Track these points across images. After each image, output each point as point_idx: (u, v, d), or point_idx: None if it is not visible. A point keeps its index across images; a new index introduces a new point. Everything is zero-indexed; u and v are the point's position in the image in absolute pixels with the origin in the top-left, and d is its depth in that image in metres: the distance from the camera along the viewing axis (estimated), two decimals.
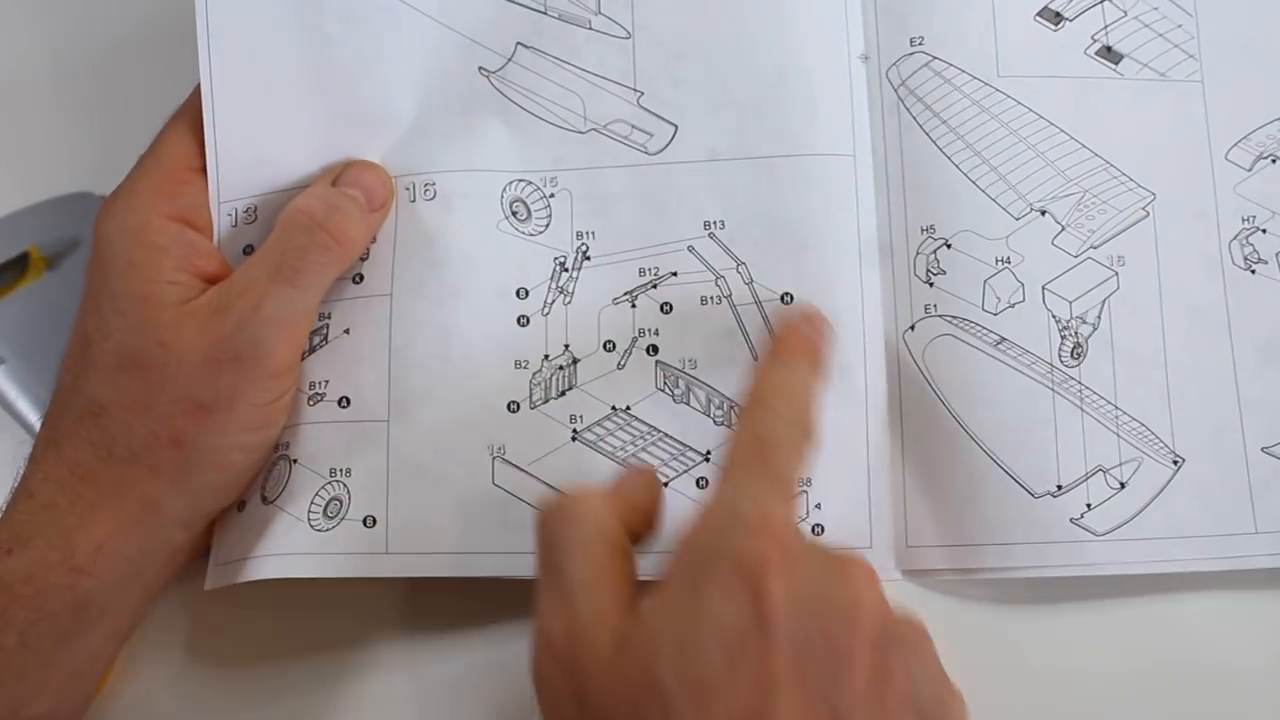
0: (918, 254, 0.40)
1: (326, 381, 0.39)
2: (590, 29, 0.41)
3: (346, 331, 0.39)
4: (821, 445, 0.34)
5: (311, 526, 0.37)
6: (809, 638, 0.28)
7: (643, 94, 0.40)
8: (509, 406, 0.39)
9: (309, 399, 0.39)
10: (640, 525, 0.33)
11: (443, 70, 0.40)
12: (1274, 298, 0.40)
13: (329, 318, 0.39)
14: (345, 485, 0.38)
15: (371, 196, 0.38)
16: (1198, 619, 0.39)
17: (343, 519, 0.38)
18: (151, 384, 0.35)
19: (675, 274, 0.40)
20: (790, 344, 0.36)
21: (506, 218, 0.40)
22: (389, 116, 0.40)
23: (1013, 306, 0.40)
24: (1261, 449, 0.39)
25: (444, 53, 0.40)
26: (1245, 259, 0.40)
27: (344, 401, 0.39)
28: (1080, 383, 0.39)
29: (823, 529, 0.38)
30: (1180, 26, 0.42)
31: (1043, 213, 0.40)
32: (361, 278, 0.39)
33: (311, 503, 0.38)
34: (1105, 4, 0.41)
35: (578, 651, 0.29)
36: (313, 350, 0.39)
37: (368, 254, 0.39)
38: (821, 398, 0.35)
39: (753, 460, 0.32)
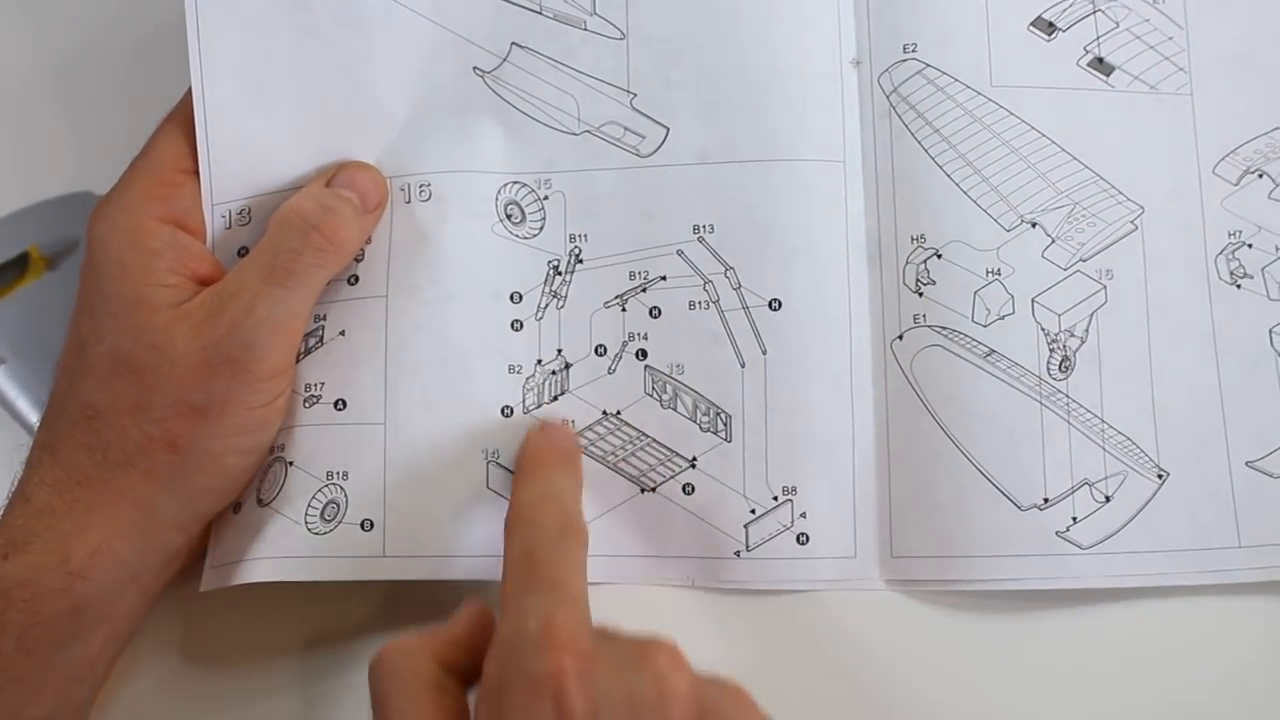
0: (908, 263, 0.40)
1: (322, 384, 0.39)
2: (585, 30, 0.41)
3: (342, 333, 0.39)
4: (588, 541, 0.34)
5: (309, 529, 0.38)
6: None
7: (636, 96, 0.41)
8: (503, 411, 0.39)
9: (305, 401, 0.39)
10: (465, 660, 0.32)
11: (437, 70, 0.41)
12: (1259, 313, 0.40)
13: (324, 319, 0.39)
14: (342, 488, 0.38)
15: (366, 197, 0.38)
16: (1182, 629, 0.39)
17: (340, 522, 0.38)
18: (145, 387, 0.35)
19: (664, 278, 0.40)
20: (537, 458, 0.36)
21: (501, 220, 0.40)
22: (382, 117, 0.40)
23: (1002, 319, 0.40)
24: (1246, 463, 0.39)
25: (438, 52, 0.41)
26: (1231, 274, 0.40)
27: (340, 404, 0.39)
28: (1068, 396, 0.39)
29: (807, 538, 0.39)
30: (1171, 39, 0.42)
31: (1033, 225, 0.40)
32: (357, 279, 0.39)
33: (309, 506, 0.38)
34: (1098, 15, 0.42)
35: None
36: (308, 352, 0.39)
37: (363, 255, 0.40)
38: (579, 496, 0.35)
39: (526, 577, 0.32)
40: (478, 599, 0.33)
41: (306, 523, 0.38)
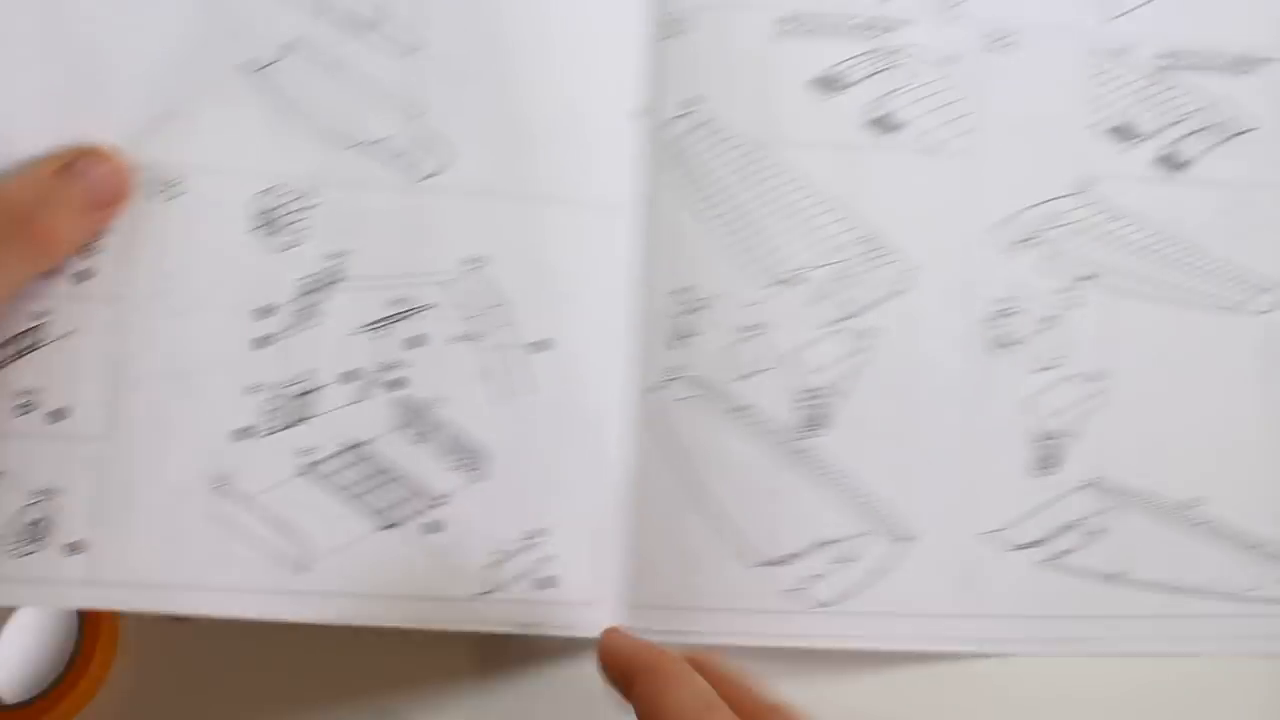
0: (672, 314, 0.40)
1: (38, 390, 0.36)
2: (371, 39, 0.38)
3: (66, 336, 0.36)
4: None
5: (8, 551, 0.35)
6: None
7: (418, 115, 0.38)
8: (236, 433, 0.37)
9: (16, 409, 0.35)
10: None
11: (204, 59, 0.37)
12: (1016, 383, 0.41)
13: (46, 317, 0.36)
14: (51, 506, 0.35)
15: (98, 192, 0.35)
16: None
17: (46, 543, 0.35)
18: None
19: (428, 308, 0.38)
20: (656, 657, 0.32)
21: (256, 228, 0.37)
22: (136, 101, 0.37)
23: (759, 374, 0.40)
24: (990, 532, 0.41)
25: (208, 40, 0.37)
26: (997, 339, 0.41)
27: (57, 414, 0.36)
28: (818, 455, 0.40)
29: (553, 581, 0.38)
30: (961, 100, 0.42)
31: (799, 282, 0.40)
32: (89, 275, 0.36)
33: (11, 524, 0.35)
34: (885, 73, 0.42)
35: None
36: (20, 354, 0.36)
37: (100, 250, 0.36)
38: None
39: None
40: None
41: (6, 543, 0.34)
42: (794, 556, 0.39)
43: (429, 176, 0.38)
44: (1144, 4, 0.44)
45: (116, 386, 0.36)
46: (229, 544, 0.36)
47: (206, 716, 0.39)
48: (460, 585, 0.38)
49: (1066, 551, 0.41)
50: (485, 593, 0.38)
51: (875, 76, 0.42)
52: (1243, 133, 0.43)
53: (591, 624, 0.39)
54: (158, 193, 0.37)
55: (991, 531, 0.41)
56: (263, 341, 0.37)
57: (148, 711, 0.39)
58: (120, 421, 0.36)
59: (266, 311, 0.37)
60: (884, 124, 0.42)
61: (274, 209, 0.38)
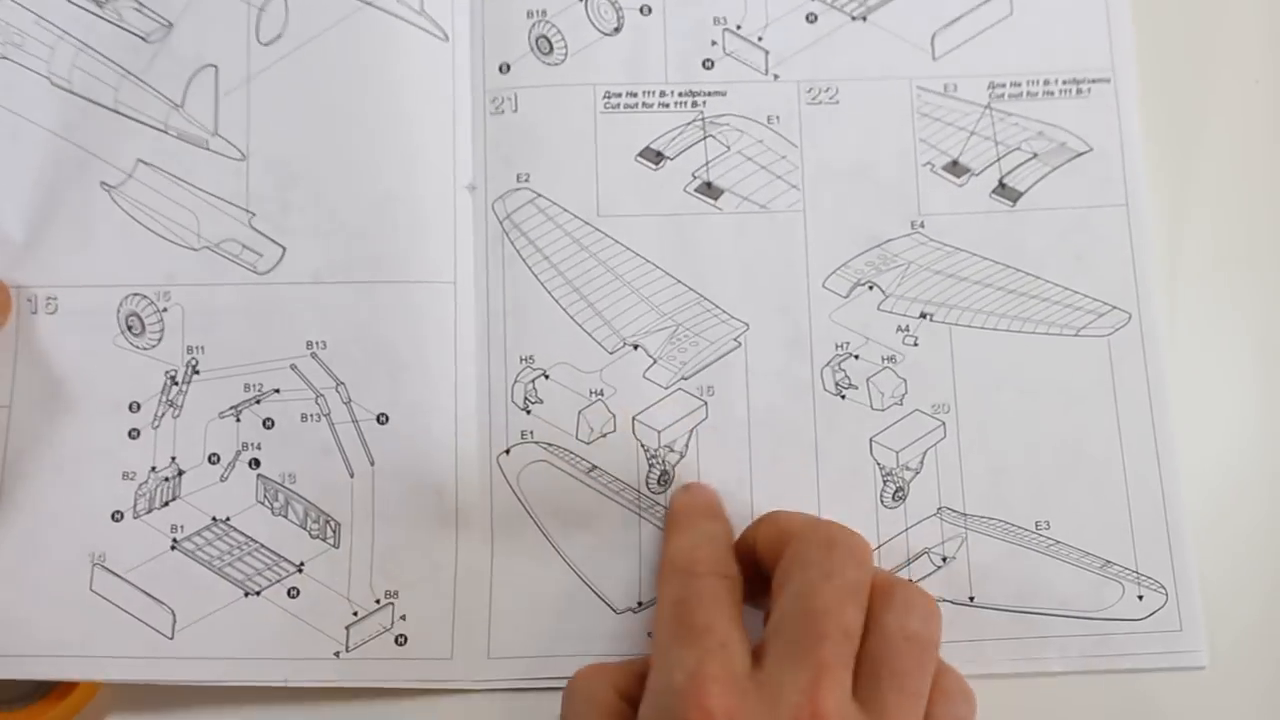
0: (516, 382, 0.42)
1: None
2: (208, 149, 0.42)
3: None
4: (742, 586, 0.37)
5: None
6: None
7: (254, 215, 0.42)
8: (113, 516, 0.41)
9: None
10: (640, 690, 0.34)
11: (63, 184, 0.42)
12: (861, 422, 0.42)
13: None
14: None
15: None
16: None
17: None
18: None
19: (278, 390, 0.42)
20: (688, 509, 0.39)
21: (122, 332, 0.42)
22: (8, 227, 0.42)
23: (604, 436, 0.42)
24: None
25: (64, 166, 0.42)
26: (837, 384, 0.43)
27: None
28: (665, 507, 0.42)
29: (406, 639, 0.41)
30: (784, 158, 0.44)
31: (635, 347, 0.42)
32: None
33: None
34: (707, 141, 0.44)
35: None
36: None
37: None
38: (730, 543, 0.38)
39: (676, 625, 0.34)
40: None
41: None
42: (653, 602, 0.41)
43: (269, 270, 0.42)
44: (967, 40, 0.44)
45: (6, 484, 0.41)
46: (108, 615, 0.40)
47: (206, 716, 0.42)
48: (320, 646, 0.41)
49: (921, 578, 0.41)
50: (343, 652, 0.41)
51: (699, 145, 0.44)
52: (1077, 156, 0.44)
53: (445, 678, 0.41)
54: (36, 309, 0.42)
55: None
56: (134, 433, 0.41)
57: (148, 712, 0.42)
58: (6, 512, 0.40)
59: (138, 405, 0.42)
60: (710, 190, 0.43)
61: (137, 312, 0.42)
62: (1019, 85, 0.44)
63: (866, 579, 0.35)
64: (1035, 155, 0.44)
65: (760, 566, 0.37)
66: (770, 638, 0.33)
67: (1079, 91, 0.44)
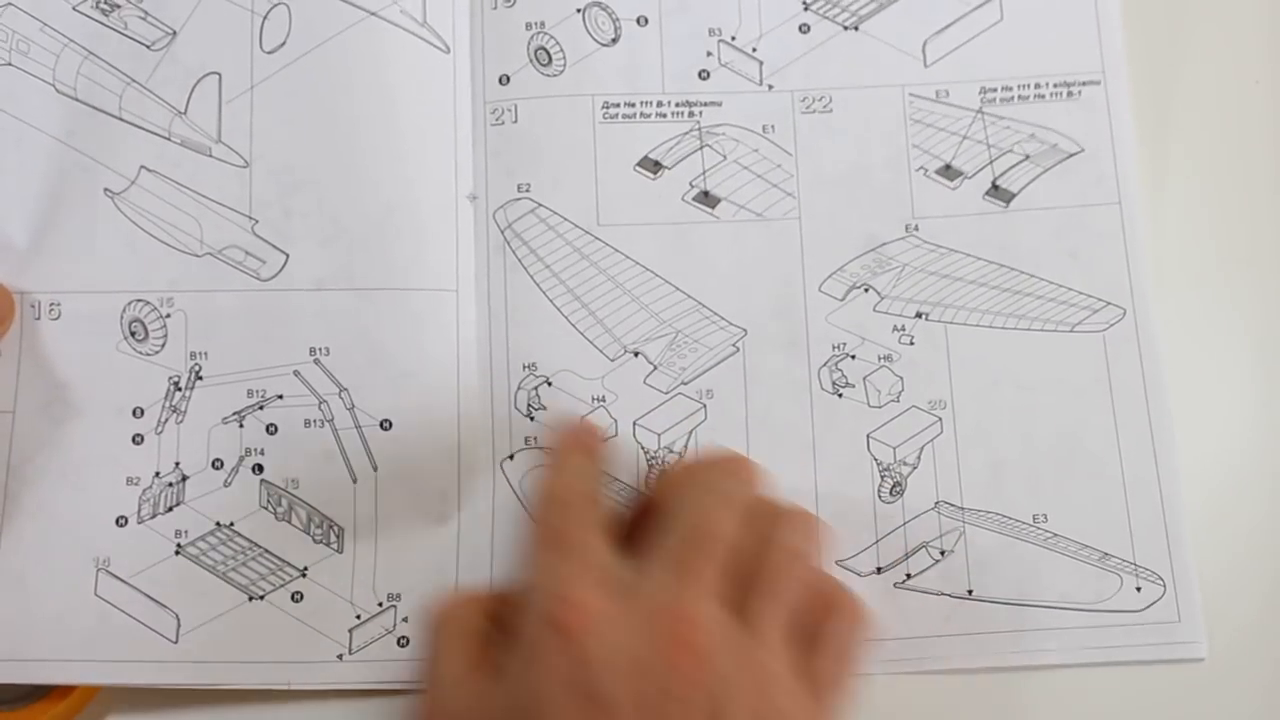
0: (519, 389, 0.43)
1: None
2: (210, 156, 0.43)
3: None
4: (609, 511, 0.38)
5: None
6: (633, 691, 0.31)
7: (257, 222, 0.43)
8: (117, 521, 0.41)
9: None
10: (511, 615, 0.35)
11: (67, 191, 0.42)
12: (858, 419, 0.43)
13: None
14: None
15: None
16: None
17: None
18: None
19: (281, 396, 0.42)
20: (562, 447, 0.39)
21: (126, 338, 0.42)
22: (13, 231, 0.42)
23: (607, 440, 0.42)
24: (835, 562, 0.42)
25: (68, 174, 0.42)
26: (834, 384, 0.43)
27: None
28: None
29: (408, 641, 0.41)
30: (779, 166, 0.44)
31: (636, 354, 0.43)
32: None
33: None
34: (704, 150, 0.44)
35: None
36: None
37: None
38: (599, 479, 0.39)
39: (546, 542, 0.35)
40: None
41: None
42: None
43: (272, 277, 0.42)
44: (958, 47, 0.45)
45: (11, 488, 0.41)
46: (112, 619, 0.40)
47: (207, 717, 0.42)
48: (323, 649, 0.41)
49: (919, 572, 0.42)
50: (346, 655, 0.41)
51: (696, 154, 0.44)
52: (1069, 157, 0.44)
53: None
54: (40, 314, 0.42)
55: (846, 559, 0.42)
56: (138, 438, 0.42)
57: (148, 713, 0.42)
58: (12, 517, 0.40)
59: (141, 411, 0.42)
60: (707, 199, 0.44)
61: (140, 318, 0.42)
62: (1010, 89, 0.45)
63: (750, 495, 0.36)
64: (1028, 157, 0.45)
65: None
66: (652, 551, 0.34)
67: (1070, 94, 0.45)
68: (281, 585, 0.41)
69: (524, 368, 0.43)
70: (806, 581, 0.35)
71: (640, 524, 0.37)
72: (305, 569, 0.41)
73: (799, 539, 0.35)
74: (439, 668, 0.35)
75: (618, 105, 0.45)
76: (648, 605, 0.33)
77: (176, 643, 0.40)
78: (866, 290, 0.44)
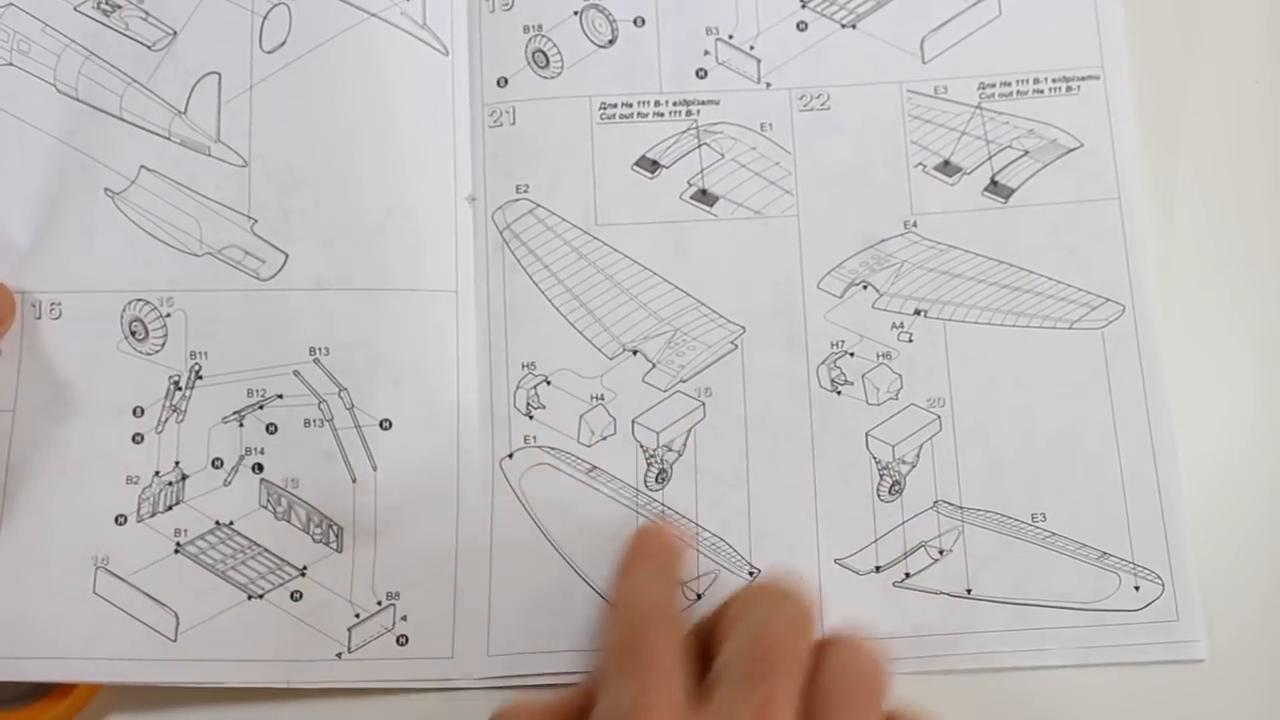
0: (518, 388, 0.43)
1: None
2: (210, 156, 0.43)
3: None
4: (684, 629, 0.36)
5: None
6: None
7: (256, 221, 0.43)
8: (117, 520, 0.41)
9: None
10: None
11: (67, 190, 0.43)
12: (857, 417, 0.43)
13: None
14: None
15: None
16: None
17: None
18: None
19: (281, 396, 0.42)
20: (641, 551, 0.39)
21: (126, 337, 0.42)
22: (13, 231, 0.42)
23: (605, 439, 0.42)
24: (834, 560, 0.42)
25: (69, 173, 0.43)
26: (833, 381, 0.43)
27: None
28: (663, 504, 0.42)
29: (407, 639, 0.41)
30: (777, 164, 0.44)
31: (634, 352, 0.43)
32: None
33: None
34: (702, 149, 0.44)
35: None
36: None
37: None
38: (675, 591, 0.38)
39: (620, 658, 0.34)
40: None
41: None
42: None
43: (271, 277, 0.43)
44: (957, 43, 0.45)
45: (10, 486, 0.41)
46: (111, 618, 0.40)
47: (207, 716, 0.42)
48: (322, 647, 0.41)
49: (918, 571, 0.42)
50: (345, 653, 0.41)
51: (694, 153, 0.44)
52: (1068, 153, 0.44)
53: (446, 677, 0.41)
54: (40, 314, 0.42)
55: (845, 558, 0.42)
56: (138, 437, 0.42)
57: (148, 712, 0.42)
58: (11, 515, 0.41)
59: (141, 410, 0.42)
60: (705, 197, 0.44)
61: (140, 318, 0.42)
62: (1009, 85, 0.45)
63: (813, 616, 0.35)
64: (1026, 153, 0.44)
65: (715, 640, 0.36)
66: (719, 672, 0.33)
67: (1069, 89, 0.45)
68: (281, 584, 0.41)
69: (523, 367, 0.43)
70: (880, 705, 0.33)
71: (704, 646, 0.36)
72: (304, 568, 0.41)
73: (871, 664, 0.34)
74: None
75: (615, 105, 0.45)
76: None
77: (176, 641, 0.41)
78: (865, 287, 0.44)
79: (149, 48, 0.44)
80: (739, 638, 0.34)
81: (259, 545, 0.41)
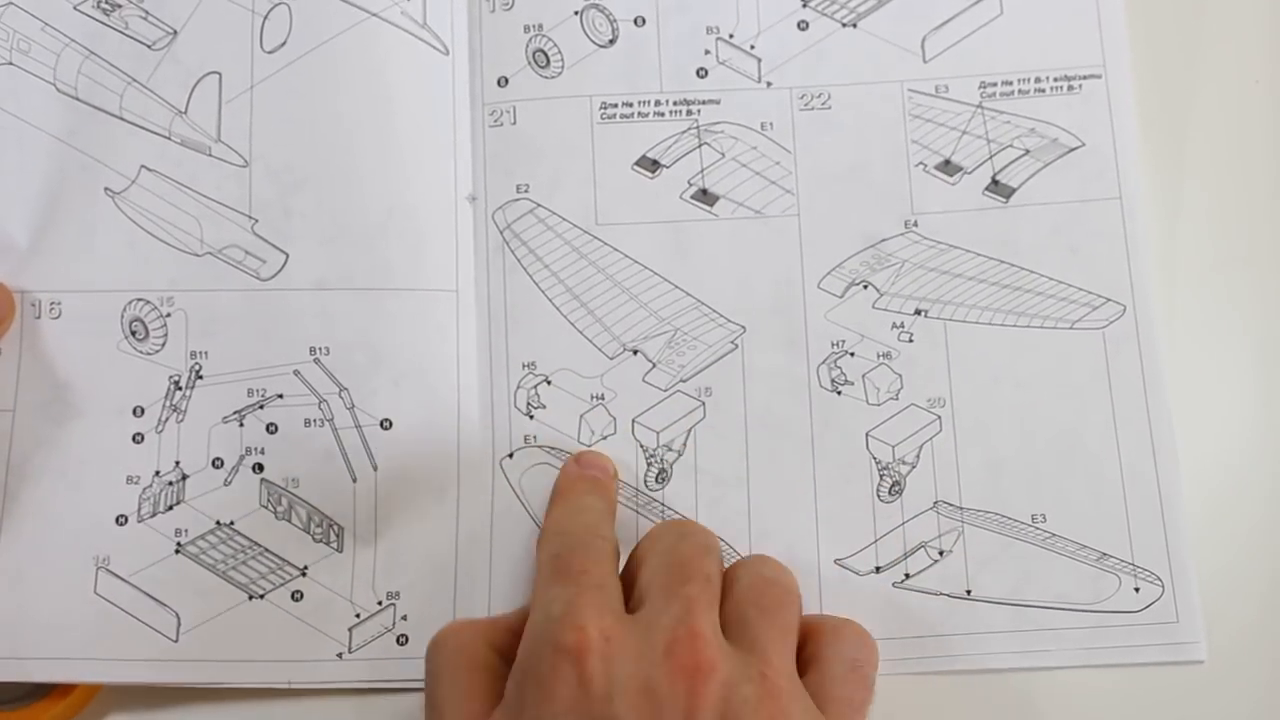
0: (519, 388, 0.43)
1: None
2: (210, 155, 0.43)
3: None
4: (617, 550, 0.38)
5: None
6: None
7: (257, 221, 0.43)
8: (117, 520, 0.41)
9: None
10: (515, 644, 0.35)
11: (67, 189, 0.42)
12: (858, 417, 0.43)
13: None
14: None
15: None
16: None
17: None
18: None
19: (282, 396, 0.42)
20: (569, 481, 0.40)
21: (126, 337, 0.42)
22: (13, 230, 0.42)
23: (605, 438, 0.42)
24: (834, 560, 0.42)
25: (69, 172, 0.43)
26: (833, 381, 0.43)
27: None
28: (663, 504, 0.42)
29: (407, 639, 0.41)
30: (778, 163, 0.44)
31: (635, 352, 0.43)
32: None
33: None
34: (702, 149, 0.44)
35: None
36: None
37: None
38: (607, 515, 0.39)
39: (553, 572, 0.36)
40: None
41: None
42: None
43: (272, 277, 0.42)
44: (958, 42, 0.45)
45: (10, 487, 0.41)
46: (112, 618, 0.40)
47: (208, 716, 0.42)
48: (323, 647, 0.41)
49: (918, 572, 0.42)
50: (346, 653, 0.41)
51: (694, 153, 0.44)
52: (1069, 152, 0.44)
53: None
54: (40, 314, 0.42)
55: (845, 558, 0.42)
56: (139, 437, 0.42)
57: (149, 712, 0.42)
58: (11, 515, 0.41)
59: (142, 410, 0.42)
60: (706, 197, 0.44)
61: (140, 317, 0.42)
62: (1010, 84, 0.45)
63: (717, 542, 0.38)
64: (1027, 152, 0.44)
65: (633, 575, 0.38)
66: (640, 594, 0.35)
67: (1070, 88, 0.45)
68: (281, 584, 0.41)
69: (523, 366, 0.43)
70: (796, 612, 0.36)
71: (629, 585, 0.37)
72: (305, 568, 0.41)
73: (778, 573, 0.37)
74: (441, 698, 0.35)
75: (615, 105, 0.45)
76: (653, 628, 0.33)
77: (176, 641, 0.41)
78: (866, 287, 0.44)
79: (149, 47, 0.44)
80: (654, 561, 0.36)
81: (259, 545, 0.41)
